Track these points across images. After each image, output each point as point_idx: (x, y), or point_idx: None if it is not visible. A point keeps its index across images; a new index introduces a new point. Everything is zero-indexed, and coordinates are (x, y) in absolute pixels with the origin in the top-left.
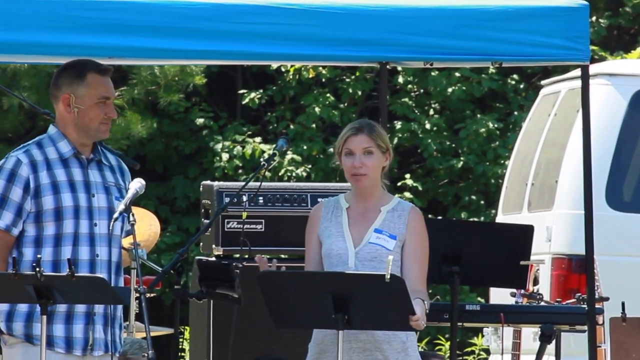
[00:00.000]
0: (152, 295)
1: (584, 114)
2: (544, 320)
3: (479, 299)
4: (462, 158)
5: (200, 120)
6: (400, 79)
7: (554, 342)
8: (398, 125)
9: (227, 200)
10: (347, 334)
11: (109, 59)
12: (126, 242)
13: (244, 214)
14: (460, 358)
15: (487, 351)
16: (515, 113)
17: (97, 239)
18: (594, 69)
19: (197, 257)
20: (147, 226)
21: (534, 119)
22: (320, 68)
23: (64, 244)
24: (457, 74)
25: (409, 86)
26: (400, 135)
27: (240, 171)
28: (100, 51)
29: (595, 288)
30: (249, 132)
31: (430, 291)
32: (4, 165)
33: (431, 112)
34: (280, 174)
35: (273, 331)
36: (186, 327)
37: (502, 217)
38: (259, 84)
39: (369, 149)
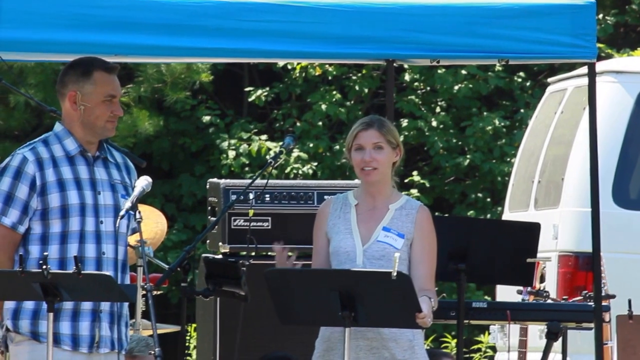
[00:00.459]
0: (158, 292)
1: (591, 112)
2: (551, 318)
3: (485, 297)
4: (468, 156)
5: (206, 118)
6: (407, 77)
7: (560, 339)
8: (404, 123)
9: (233, 197)
10: (355, 332)
11: (115, 56)
12: (133, 239)
13: (251, 212)
14: (467, 355)
15: (494, 349)
16: (522, 111)
17: (104, 236)
18: (600, 66)
19: (204, 255)
20: (153, 224)
21: (541, 117)
22: (327, 66)
23: (70, 241)
24: (464, 72)
25: (416, 84)
26: (406, 132)
27: (246, 169)
28: (106, 49)
29: (602, 285)
30: (256, 130)
31: (436, 289)
32: (10, 163)
33: (438, 109)
34: (286, 171)
35: (279, 328)
36: (193, 325)
37: (509, 214)
38: (266, 82)
39: (379, 144)
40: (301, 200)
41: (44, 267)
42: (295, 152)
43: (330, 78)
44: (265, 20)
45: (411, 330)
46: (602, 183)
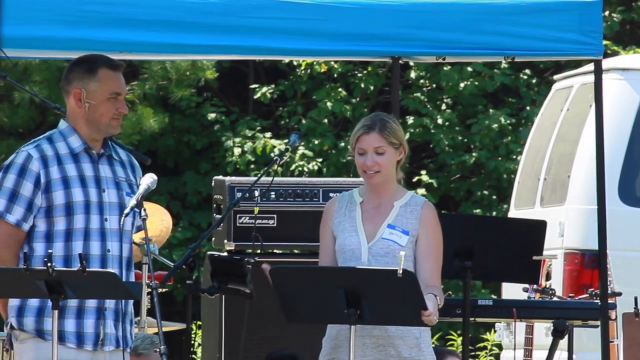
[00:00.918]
0: (163, 290)
1: (597, 109)
2: (557, 316)
3: (491, 295)
4: (474, 153)
5: (211, 115)
6: (413, 74)
7: (566, 337)
8: (410, 120)
9: (239, 195)
10: (361, 330)
11: (120, 53)
12: (138, 237)
13: (256, 209)
14: (473, 353)
15: (500, 346)
16: (528, 108)
17: (108, 234)
18: (606, 63)
19: (209, 253)
20: (159, 221)
21: (547, 114)
22: (332, 63)
23: (74, 239)
24: (469, 69)
25: (421, 81)
26: (412, 130)
27: (252, 166)
28: (111, 46)
29: (608, 283)
30: (261, 127)
31: (442, 286)
32: (15, 160)
33: (443, 107)
34: (291, 169)
35: (285, 326)
36: (198, 323)
37: (515, 212)
38: (271, 79)
39: (381, 148)
40: (306, 197)
41: (49, 264)
42: (301, 150)
43: (335, 75)
44: (270, 17)
45: (418, 328)
46: (609, 180)
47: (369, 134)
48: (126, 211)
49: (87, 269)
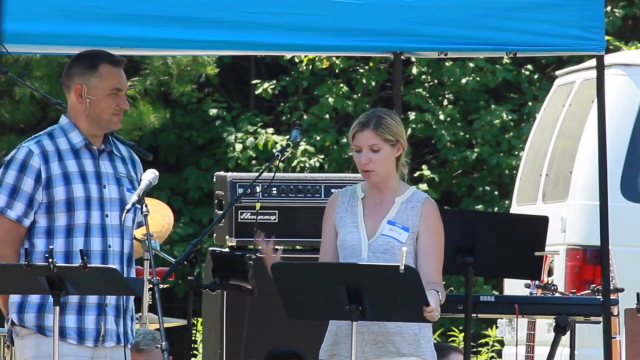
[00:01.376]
0: (165, 286)
1: (599, 105)
2: (559, 312)
3: (493, 291)
4: (476, 149)
5: (213, 111)
6: (414, 70)
7: (568, 333)
8: (412, 116)
9: (240, 191)
10: (360, 326)
11: (121, 49)
12: (139, 233)
13: (258, 205)
14: (475, 349)
15: (502, 342)
16: (530, 104)
17: (109, 230)
18: (609, 59)
19: (211, 248)
20: (160, 217)
21: (549, 110)
22: (334, 58)
23: (75, 235)
24: (471, 65)
25: (423, 77)
26: (414, 126)
27: (253, 162)
28: (112, 41)
29: (610, 279)
30: (262, 123)
31: (444, 282)
32: (16, 156)
33: (445, 102)
34: (293, 164)
35: (286, 322)
36: (199, 319)
37: (517, 208)
38: (272, 75)
39: (376, 145)
40: (308, 193)
41: (50, 260)
42: (302, 145)
43: (337, 71)
44: (272, 12)
45: (417, 324)
46: (611, 176)
47: (363, 131)
48: (127, 207)
49: (88, 265)
